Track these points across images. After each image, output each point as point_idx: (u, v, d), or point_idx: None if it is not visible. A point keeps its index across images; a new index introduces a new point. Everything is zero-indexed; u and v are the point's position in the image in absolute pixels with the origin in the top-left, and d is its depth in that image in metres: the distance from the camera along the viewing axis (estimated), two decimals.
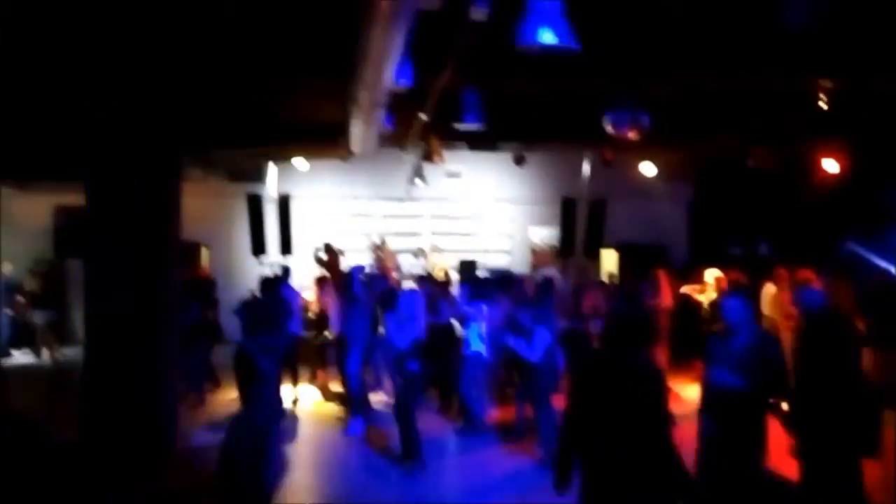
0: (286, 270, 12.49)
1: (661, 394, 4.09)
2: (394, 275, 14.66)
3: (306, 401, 12.10)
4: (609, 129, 10.16)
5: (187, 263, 13.34)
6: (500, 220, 18.55)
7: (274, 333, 6.59)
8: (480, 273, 16.33)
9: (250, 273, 14.70)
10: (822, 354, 5.50)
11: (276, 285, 10.56)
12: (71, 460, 2.31)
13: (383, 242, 16.45)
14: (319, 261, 15.36)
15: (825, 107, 9.47)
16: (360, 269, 11.48)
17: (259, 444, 6.27)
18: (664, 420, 4.04)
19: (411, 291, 9.91)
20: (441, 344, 10.61)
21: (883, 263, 14.42)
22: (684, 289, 13.26)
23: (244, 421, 6.29)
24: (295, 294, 12.48)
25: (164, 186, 9.30)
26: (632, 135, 9.59)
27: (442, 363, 10.74)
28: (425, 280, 12.71)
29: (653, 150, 14.16)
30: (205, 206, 16.28)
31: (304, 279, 15.06)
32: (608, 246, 16.92)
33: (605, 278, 15.89)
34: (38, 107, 9.49)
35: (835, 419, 5.26)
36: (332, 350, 12.09)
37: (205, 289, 12.72)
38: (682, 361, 12.44)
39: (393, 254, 16.39)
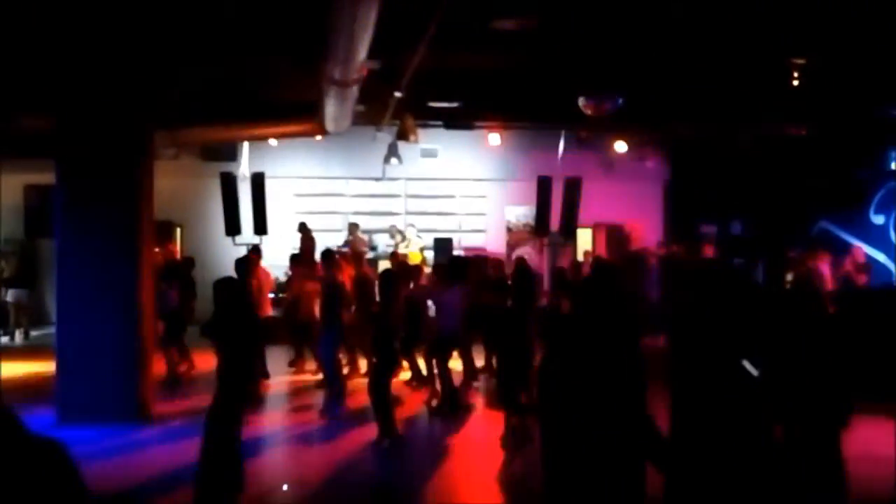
0: (256, 250, 12.38)
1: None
2: (367, 255, 14.67)
3: (282, 382, 12.07)
4: (584, 108, 10.20)
5: (161, 242, 13.25)
6: (475, 199, 18.56)
7: (242, 316, 6.55)
8: (457, 253, 16.39)
9: (225, 253, 14.61)
10: (795, 330, 5.55)
11: (245, 266, 10.48)
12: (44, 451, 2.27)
13: (355, 226, 16.45)
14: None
15: (797, 83, 9.53)
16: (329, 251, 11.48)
17: (231, 431, 6.26)
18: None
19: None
20: (413, 324, 10.64)
21: (854, 241, 14.60)
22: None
23: (217, 409, 6.28)
24: (265, 274, 12.42)
25: (135, 163, 9.21)
26: (604, 114, 9.61)
27: (415, 342, 10.78)
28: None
29: (627, 129, 14.20)
30: (178, 186, 16.18)
31: (279, 258, 15.03)
32: (584, 225, 16.98)
33: (581, 257, 15.97)
34: (6, 83, 9.35)
35: (808, 393, 5.32)
36: (308, 331, 12.08)
37: (181, 271, 12.64)
38: None
39: (363, 237, 16.40)
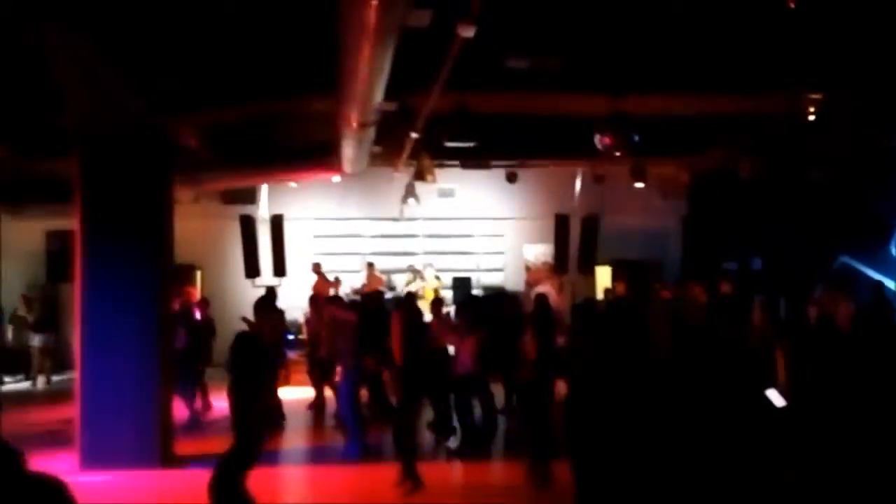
0: (271, 292, 12.40)
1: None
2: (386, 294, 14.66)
3: (301, 422, 12.01)
4: (600, 145, 10.19)
5: (182, 285, 13.32)
6: (493, 237, 18.57)
7: (261, 362, 6.58)
8: (476, 292, 16.35)
9: (244, 296, 14.66)
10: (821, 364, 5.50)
11: (263, 307, 10.49)
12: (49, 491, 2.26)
13: (371, 265, 16.49)
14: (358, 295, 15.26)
15: (813, 118, 9.51)
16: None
17: (240, 479, 6.23)
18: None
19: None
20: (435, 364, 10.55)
21: (876, 276, 14.43)
22: None
23: (230, 456, 6.26)
24: (282, 315, 12.43)
25: (156, 208, 9.27)
26: (621, 151, 9.60)
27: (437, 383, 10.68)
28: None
29: (644, 164, 14.19)
30: (198, 229, 16.27)
31: (298, 299, 15.04)
32: (603, 262, 16.92)
33: (600, 294, 15.88)
34: (27, 126, 9.48)
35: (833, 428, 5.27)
36: (327, 372, 12.03)
37: (192, 313, 12.69)
38: None
39: (378, 276, 16.41)
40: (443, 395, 10.34)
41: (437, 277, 17.04)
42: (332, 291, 14.89)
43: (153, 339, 9.05)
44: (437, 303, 11.51)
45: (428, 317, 12.20)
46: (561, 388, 8.29)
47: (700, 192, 17.35)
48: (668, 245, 18.04)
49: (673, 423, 3.65)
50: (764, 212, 15.54)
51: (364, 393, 11.17)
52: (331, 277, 15.90)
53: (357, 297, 13.75)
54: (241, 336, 6.79)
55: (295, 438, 11.20)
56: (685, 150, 13.67)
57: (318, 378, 12.50)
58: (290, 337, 14.48)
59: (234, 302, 15.33)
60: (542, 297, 11.58)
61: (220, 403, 11.77)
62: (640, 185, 15.50)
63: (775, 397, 5.70)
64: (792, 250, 14.89)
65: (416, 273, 17.09)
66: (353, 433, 9.86)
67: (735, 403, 4.34)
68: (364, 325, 9.99)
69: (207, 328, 12.47)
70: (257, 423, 6.48)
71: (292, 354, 13.93)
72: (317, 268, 15.66)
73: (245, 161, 12.92)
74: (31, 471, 2.27)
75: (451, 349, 10.82)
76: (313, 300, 13.19)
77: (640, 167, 14.21)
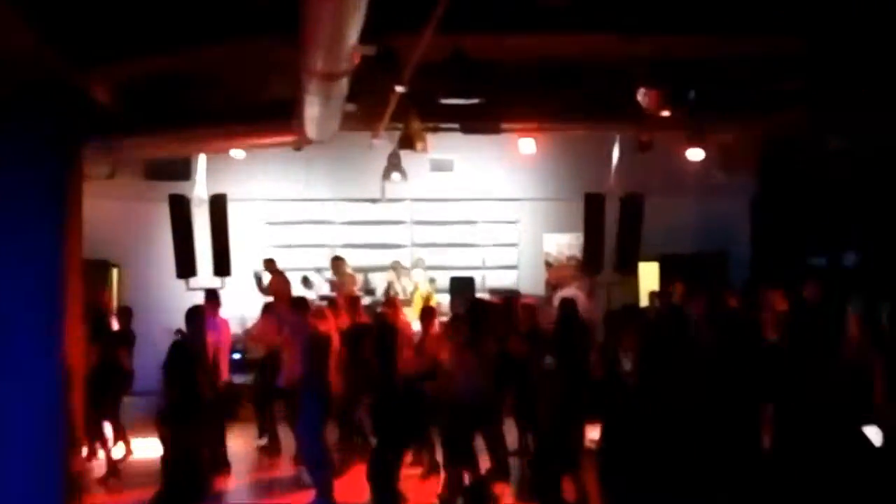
0: (213, 296, 12.37)
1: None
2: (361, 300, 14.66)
3: (251, 468, 12.00)
4: (645, 103, 10.15)
5: (94, 288, 13.27)
6: (504, 225, 18.55)
7: (194, 386, 6.56)
8: (480, 295, 16.28)
9: (176, 301, 14.60)
10: None
11: (199, 318, 10.47)
12: None
13: (339, 261, 16.39)
14: (260, 284, 15.34)
15: None
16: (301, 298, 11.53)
17: None
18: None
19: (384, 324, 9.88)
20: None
21: None
22: None
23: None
24: (225, 328, 12.40)
25: (57, 183, 9.19)
26: (672, 111, 9.56)
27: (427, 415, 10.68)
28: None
29: (702, 128, 14.13)
30: (115, 214, 16.20)
31: (247, 307, 15.00)
32: (647, 257, 16.88)
33: (645, 300, 15.86)
34: None
35: None
36: (285, 402, 12.04)
37: (109, 324, 12.66)
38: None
39: (351, 275, 16.36)
40: (421, 435, 10.41)
41: (430, 278, 17.00)
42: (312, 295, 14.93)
43: (53, 364, 8.97)
44: (429, 312, 11.50)
45: (416, 327, 12.21)
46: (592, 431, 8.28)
47: (776, 166, 17.32)
48: (734, 235, 18.01)
49: (750, 482, 3.67)
50: (860, 192, 15.50)
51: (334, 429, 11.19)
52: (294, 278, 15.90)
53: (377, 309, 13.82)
54: (178, 346, 6.77)
55: (243, 491, 11.18)
56: (756, 109, 13.61)
57: (272, 412, 12.50)
58: (237, 357, 14.44)
59: (162, 310, 15.26)
60: (567, 304, 11.53)
61: (143, 444, 11.80)
62: (696, 155, 15.46)
63: (874, 435, 5.69)
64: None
65: (400, 271, 17.04)
66: (321, 485, 9.86)
67: (825, 446, 4.34)
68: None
69: (125, 346, 12.43)
70: (194, 464, 6.48)
71: (240, 379, 13.92)
72: (271, 265, 15.61)
73: (176, 123, 12.81)
74: None
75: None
76: (270, 308, 13.18)
77: (697, 132, 14.15)
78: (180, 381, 6.49)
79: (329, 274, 16.55)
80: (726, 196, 17.69)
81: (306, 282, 16.12)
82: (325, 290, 16.12)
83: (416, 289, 16.49)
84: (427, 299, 15.69)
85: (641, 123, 13.45)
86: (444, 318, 14.54)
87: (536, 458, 9.05)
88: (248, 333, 14.16)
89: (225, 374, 12.18)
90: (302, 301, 11.79)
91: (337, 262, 16.47)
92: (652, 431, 3.96)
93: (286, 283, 15.37)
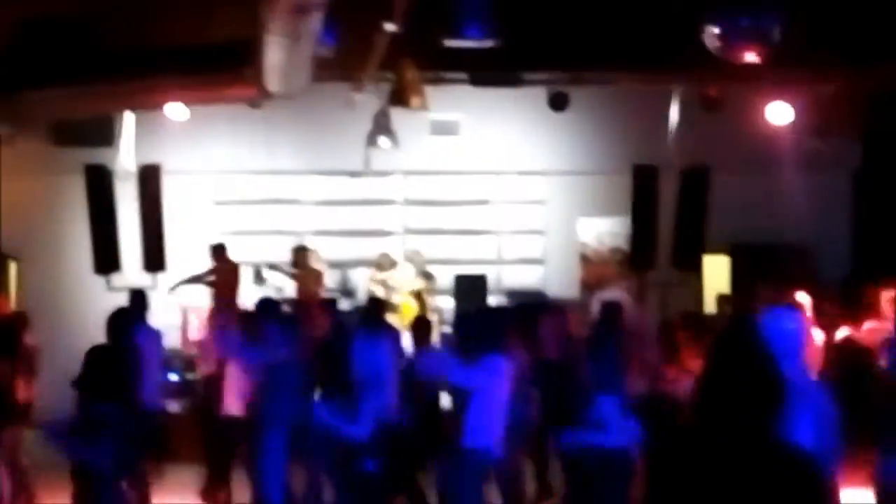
0: (139, 299, 12.35)
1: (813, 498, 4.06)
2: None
3: None
4: (713, 46, 10.13)
5: None
6: (527, 206, 18.58)
7: (114, 411, 6.60)
8: (494, 300, 16.28)
9: (93, 305, 14.64)
10: None
11: (123, 326, 10.48)
12: None
13: (302, 251, 16.38)
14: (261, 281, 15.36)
15: None
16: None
17: None
18: None
19: (368, 334, 9.89)
20: (418, 429, 10.56)
21: None
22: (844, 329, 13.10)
23: None
24: (155, 339, 12.39)
25: None
26: (752, 55, 9.56)
27: (417, 461, 10.68)
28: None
29: (786, 81, 14.15)
30: (15, 191, 16.22)
31: (184, 313, 15.02)
32: (715, 249, 16.87)
33: (712, 305, 15.89)
34: None
35: None
36: (235, 436, 12.05)
37: (14, 336, 12.65)
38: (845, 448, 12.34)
39: (317, 269, 16.34)
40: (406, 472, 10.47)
41: (427, 274, 17.00)
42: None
43: None
44: (422, 325, 11.49)
45: (405, 342, 12.24)
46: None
47: (886, 132, 17.30)
48: (830, 219, 17.98)
49: None
50: None
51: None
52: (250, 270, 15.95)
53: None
54: (98, 350, 6.82)
55: None
56: (863, 55, 13.60)
57: (222, 450, 12.51)
58: (173, 377, 14.45)
59: (76, 315, 15.31)
60: (610, 309, 11.55)
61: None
62: (780, 117, 15.46)
63: None
64: None
65: (387, 266, 16.99)
66: None
67: None
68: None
69: (24, 363, 12.44)
70: None
71: (175, 406, 13.94)
72: (219, 252, 15.59)
73: (95, 71, 12.82)
74: None
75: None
76: (217, 311, 13.21)
77: (781, 85, 14.15)
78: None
79: (289, 268, 16.53)
80: (820, 169, 17.64)
81: (258, 276, 16.13)
82: (285, 287, 16.15)
83: (404, 287, 16.40)
84: (421, 304, 15.68)
85: (708, 74, 13.45)
86: (447, 331, 14.64)
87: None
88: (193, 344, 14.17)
89: (158, 400, 12.17)
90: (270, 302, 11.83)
91: (301, 252, 16.46)
92: (708, 481, 4.00)
93: (236, 276, 15.41)
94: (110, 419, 6.63)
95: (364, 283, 17.21)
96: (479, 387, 10.00)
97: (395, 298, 16.08)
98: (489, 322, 10.72)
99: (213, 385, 12.56)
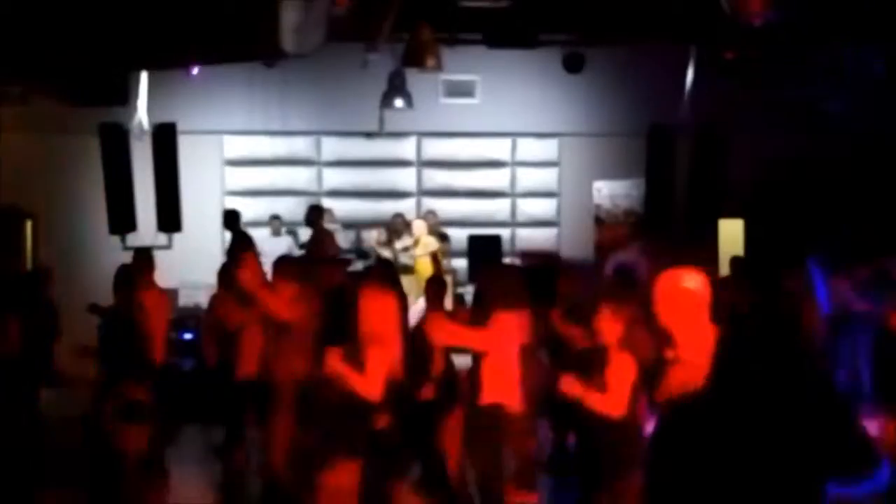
0: (144, 257, 12.28)
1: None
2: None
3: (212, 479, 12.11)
4: (727, 5, 10.09)
5: (1, 246, 13.30)
6: (540, 168, 18.57)
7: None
8: (509, 260, 16.28)
9: (108, 264, 14.66)
10: None
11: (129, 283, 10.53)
12: None
13: (317, 210, 16.34)
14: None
15: None
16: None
17: None
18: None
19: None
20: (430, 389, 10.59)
21: None
22: None
23: None
24: (160, 298, 12.36)
25: None
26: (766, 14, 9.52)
27: (430, 422, 10.71)
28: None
29: (806, 40, 14.08)
30: (29, 150, 16.23)
31: (200, 271, 15.03)
32: (730, 213, 16.84)
33: (726, 268, 15.87)
34: None
35: None
36: (250, 396, 12.08)
37: (29, 291, 12.70)
38: None
39: (330, 231, 16.32)
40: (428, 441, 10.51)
41: (442, 235, 16.99)
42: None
43: None
44: (437, 284, 11.46)
45: (419, 306, 12.23)
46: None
47: None
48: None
49: None
50: None
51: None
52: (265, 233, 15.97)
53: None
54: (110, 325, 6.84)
55: None
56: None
57: (237, 409, 12.56)
58: (188, 337, 14.49)
59: (91, 274, 15.34)
60: (623, 271, 11.54)
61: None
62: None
63: None
64: None
65: (399, 230, 16.93)
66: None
67: None
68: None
69: (45, 320, 12.48)
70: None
71: (189, 364, 14.00)
72: (232, 219, 15.62)
73: (107, 27, 12.79)
74: None
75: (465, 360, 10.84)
76: (226, 272, 13.19)
77: (802, 44, 14.08)
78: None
79: (304, 229, 16.57)
80: (838, 130, 17.54)
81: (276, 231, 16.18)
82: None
83: (416, 243, 16.36)
84: (437, 265, 15.69)
85: (726, 34, 13.37)
86: (463, 292, 14.62)
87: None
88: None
89: (158, 355, 12.14)
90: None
91: (315, 212, 16.45)
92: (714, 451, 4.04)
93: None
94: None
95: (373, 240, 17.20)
96: (491, 346, 10.03)
97: (405, 259, 16.14)
98: (502, 280, 10.71)
99: (230, 344, 12.58)
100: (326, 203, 17.39)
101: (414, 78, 15.34)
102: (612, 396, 8.00)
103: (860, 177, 17.49)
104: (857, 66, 16.06)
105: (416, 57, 14.04)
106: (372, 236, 17.20)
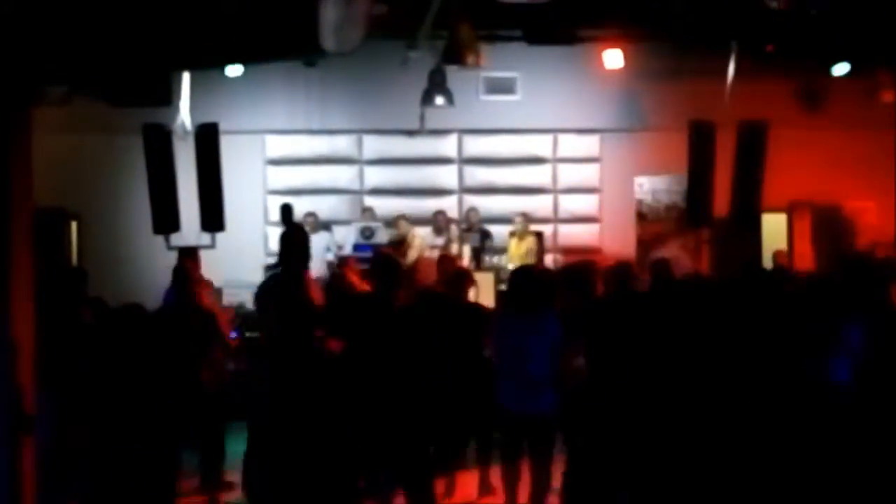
0: (188, 255, 12.31)
1: None
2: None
3: None
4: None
5: (47, 247, 13.37)
6: (582, 164, 18.58)
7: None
8: (550, 257, 16.31)
9: (152, 263, 14.78)
10: None
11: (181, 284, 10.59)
12: None
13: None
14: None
15: None
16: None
17: None
18: None
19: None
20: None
21: None
22: None
23: None
24: (209, 296, 12.40)
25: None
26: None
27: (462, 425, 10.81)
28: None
29: (848, 35, 14.00)
30: (74, 150, 16.35)
31: (243, 271, 15.13)
32: (773, 207, 16.78)
33: (769, 261, 15.83)
34: None
35: None
36: None
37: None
38: None
39: (409, 233, 16.42)
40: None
41: (484, 232, 17.01)
42: None
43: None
44: (458, 278, 11.42)
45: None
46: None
47: None
48: (886, 174, 17.84)
49: None
50: None
51: None
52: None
53: None
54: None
55: None
56: None
57: None
58: (234, 336, 14.56)
59: (135, 274, 15.46)
60: (662, 267, 11.48)
61: None
62: (840, 70, 15.33)
63: None
64: None
65: (444, 223, 16.98)
66: None
67: None
68: None
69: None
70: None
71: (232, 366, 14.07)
72: (287, 212, 15.63)
73: (149, 28, 12.84)
74: None
75: None
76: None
77: (847, 44, 14.03)
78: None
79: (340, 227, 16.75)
80: (877, 126, 17.45)
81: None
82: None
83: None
84: (476, 258, 15.78)
85: (766, 27, 13.34)
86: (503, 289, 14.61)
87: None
88: None
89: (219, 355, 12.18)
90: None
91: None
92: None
93: (306, 239, 15.49)
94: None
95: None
96: (526, 345, 9.98)
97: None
98: (539, 280, 10.66)
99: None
100: (368, 201, 17.50)
101: (454, 75, 15.37)
102: None
103: None
104: None
105: (456, 54, 14.04)
106: (422, 233, 17.23)
